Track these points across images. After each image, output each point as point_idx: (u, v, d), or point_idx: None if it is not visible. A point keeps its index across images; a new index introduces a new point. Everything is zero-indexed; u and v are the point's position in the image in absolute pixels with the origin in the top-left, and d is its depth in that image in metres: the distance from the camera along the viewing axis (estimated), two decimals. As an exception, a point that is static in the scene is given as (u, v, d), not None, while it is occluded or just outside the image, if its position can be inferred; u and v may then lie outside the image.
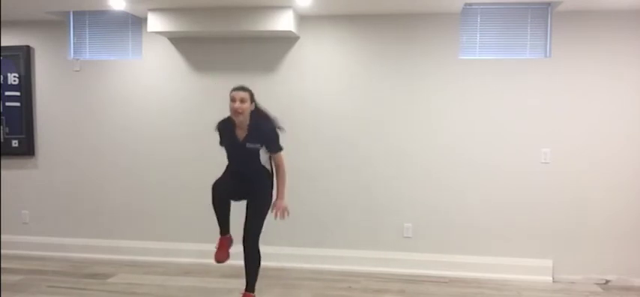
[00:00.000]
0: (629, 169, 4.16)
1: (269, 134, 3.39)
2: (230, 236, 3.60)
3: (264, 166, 3.51)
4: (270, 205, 3.55)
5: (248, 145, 3.37)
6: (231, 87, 3.45)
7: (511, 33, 4.31)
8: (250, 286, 3.52)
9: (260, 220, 3.48)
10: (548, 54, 4.25)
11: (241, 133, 3.39)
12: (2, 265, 4.37)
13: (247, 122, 3.37)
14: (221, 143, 3.54)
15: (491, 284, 4.18)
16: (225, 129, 3.45)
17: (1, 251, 4.65)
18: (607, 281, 4.23)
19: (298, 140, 4.40)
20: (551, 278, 4.27)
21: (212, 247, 4.59)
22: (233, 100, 3.32)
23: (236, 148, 3.41)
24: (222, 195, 3.50)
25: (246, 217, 3.50)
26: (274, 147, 3.42)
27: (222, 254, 3.56)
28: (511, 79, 4.26)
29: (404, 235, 4.46)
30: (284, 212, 3.49)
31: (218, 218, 3.55)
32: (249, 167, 3.45)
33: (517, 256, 4.31)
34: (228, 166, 3.57)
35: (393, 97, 4.40)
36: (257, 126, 3.39)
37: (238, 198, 3.54)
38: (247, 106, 3.34)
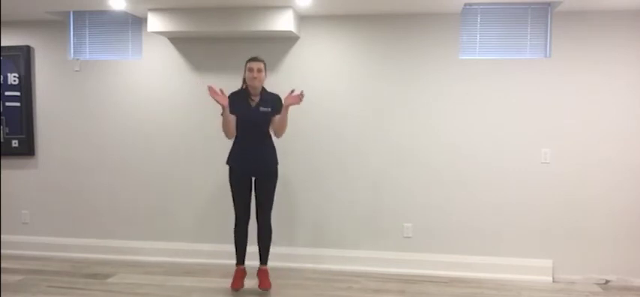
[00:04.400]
0: (629, 169, 4.16)
1: (277, 97, 3.83)
2: (244, 268, 3.97)
3: (270, 137, 3.87)
4: (277, 181, 3.91)
5: (261, 108, 3.77)
6: (248, 58, 3.81)
7: (511, 33, 4.30)
8: (265, 261, 3.96)
9: (272, 199, 3.91)
10: (548, 54, 4.25)
11: (254, 101, 3.79)
12: (2, 265, 4.38)
13: (260, 90, 3.79)
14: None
15: (491, 284, 4.18)
16: (238, 98, 3.79)
17: (1, 251, 4.65)
18: (607, 281, 4.23)
19: (298, 140, 4.40)
20: (551, 278, 4.27)
21: (212, 247, 4.62)
22: (251, 70, 3.74)
23: (250, 113, 3.76)
24: (243, 216, 3.88)
25: (258, 197, 3.89)
26: (279, 107, 3.79)
27: (238, 283, 3.93)
28: (511, 79, 4.26)
29: (404, 235, 4.46)
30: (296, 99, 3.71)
31: (237, 249, 3.94)
32: (260, 134, 3.79)
33: (517, 256, 4.31)
34: (236, 141, 3.83)
35: (393, 97, 4.40)
36: (268, 94, 3.84)
37: (250, 173, 3.84)
38: (263, 75, 3.78)
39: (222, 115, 3.70)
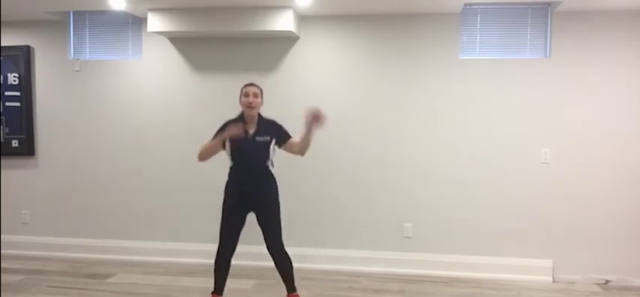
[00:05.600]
0: (629, 169, 4.16)
1: (277, 125, 3.54)
2: None
3: (269, 169, 3.54)
4: (279, 207, 3.59)
5: (258, 138, 3.45)
6: (241, 85, 3.55)
7: (511, 33, 4.31)
8: (291, 288, 3.63)
9: (278, 226, 3.58)
10: (548, 54, 4.25)
11: (251, 129, 3.47)
12: (2, 265, 4.38)
13: (256, 118, 3.48)
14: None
15: (491, 284, 4.18)
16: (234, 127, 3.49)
17: (1, 251, 4.65)
18: (607, 281, 4.23)
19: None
20: (551, 278, 4.27)
21: (212, 247, 4.60)
22: (247, 95, 3.44)
23: (246, 144, 3.44)
24: (227, 248, 3.55)
25: (264, 228, 3.55)
26: (285, 133, 3.54)
27: None
28: (511, 79, 4.26)
29: (404, 235, 4.46)
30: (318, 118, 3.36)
31: (215, 277, 3.61)
32: (256, 165, 3.48)
33: (517, 256, 4.31)
34: (232, 172, 3.55)
35: (392, 97, 4.40)
36: (264, 121, 3.52)
37: (248, 206, 3.54)
38: (260, 101, 3.49)
39: (213, 139, 3.46)
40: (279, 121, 3.59)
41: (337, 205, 4.51)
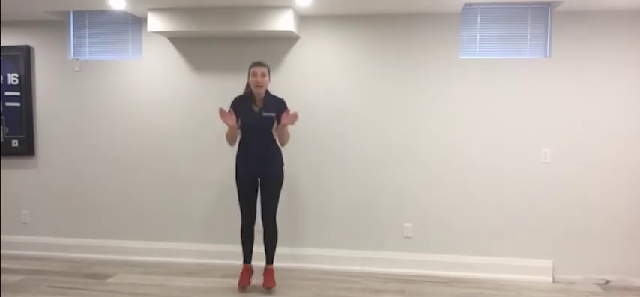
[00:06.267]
0: (629, 169, 4.16)
1: (281, 102, 3.84)
2: (251, 266, 4.01)
3: (275, 142, 3.86)
4: (282, 182, 3.94)
5: (265, 113, 3.76)
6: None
7: (511, 33, 4.30)
8: (271, 260, 3.98)
9: (276, 200, 3.91)
10: (548, 54, 4.25)
11: (258, 106, 3.79)
12: (2, 265, 4.38)
13: (263, 95, 3.77)
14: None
15: (491, 284, 4.18)
16: (241, 104, 3.80)
17: (1, 251, 4.65)
18: (607, 281, 4.23)
19: (298, 140, 4.39)
20: (551, 278, 4.27)
21: (213, 247, 4.62)
22: (254, 74, 3.73)
23: (254, 119, 3.76)
24: (249, 218, 3.92)
25: (262, 198, 3.90)
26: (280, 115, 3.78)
27: (244, 281, 3.94)
28: (511, 79, 4.26)
29: (404, 235, 4.46)
30: (292, 118, 3.71)
31: (243, 249, 3.98)
32: (264, 138, 3.79)
33: (517, 256, 4.31)
34: (241, 145, 3.84)
35: (392, 97, 4.40)
36: (271, 98, 3.82)
37: (256, 176, 3.86)
38: (267, 80, 3.79)
39: (227, 130, 3.75)
40: (285, 102, 3.87)
41: (337, 205, 4.51)
